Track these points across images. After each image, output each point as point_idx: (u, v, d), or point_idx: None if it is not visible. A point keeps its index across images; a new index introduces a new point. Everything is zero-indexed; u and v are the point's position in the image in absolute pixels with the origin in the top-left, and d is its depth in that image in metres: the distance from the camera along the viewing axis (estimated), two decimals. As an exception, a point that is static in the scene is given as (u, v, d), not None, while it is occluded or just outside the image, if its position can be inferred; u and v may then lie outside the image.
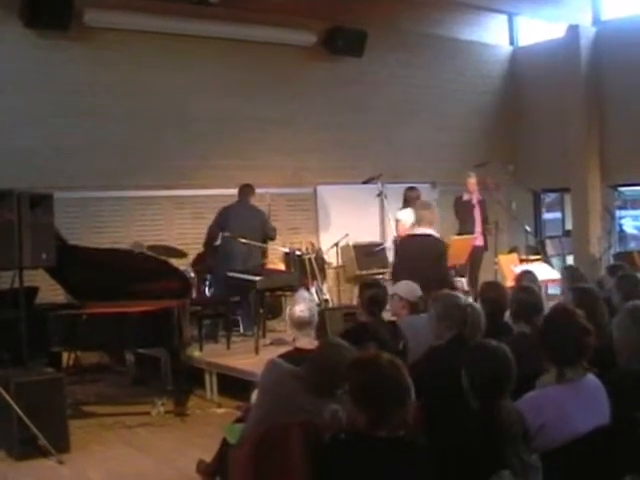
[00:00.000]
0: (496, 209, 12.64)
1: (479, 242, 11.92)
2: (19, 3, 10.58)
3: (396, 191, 12.18)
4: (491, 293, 6.11)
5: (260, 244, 10.35)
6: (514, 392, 3.84)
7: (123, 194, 11.33)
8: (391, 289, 6.87)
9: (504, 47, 15.94)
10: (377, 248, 12.62)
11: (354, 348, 4.39)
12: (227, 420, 6.09)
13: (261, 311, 9.73)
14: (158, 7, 11.45)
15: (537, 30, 15.43)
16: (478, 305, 5.59)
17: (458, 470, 3.49)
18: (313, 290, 11.40)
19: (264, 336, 9.69)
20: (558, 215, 16.20)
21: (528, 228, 13.63)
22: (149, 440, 7.35)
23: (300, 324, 5.69)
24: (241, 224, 10.27)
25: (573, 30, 14.03)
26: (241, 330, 10.31)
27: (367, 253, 12.66)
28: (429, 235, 8.40)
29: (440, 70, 14.66)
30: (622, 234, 14.51)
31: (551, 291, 11.12)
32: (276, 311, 11.02)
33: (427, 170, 13.94)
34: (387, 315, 6.73)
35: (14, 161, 10.39)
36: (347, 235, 12.38)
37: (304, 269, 11.40)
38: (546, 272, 10.51)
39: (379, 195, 12.14)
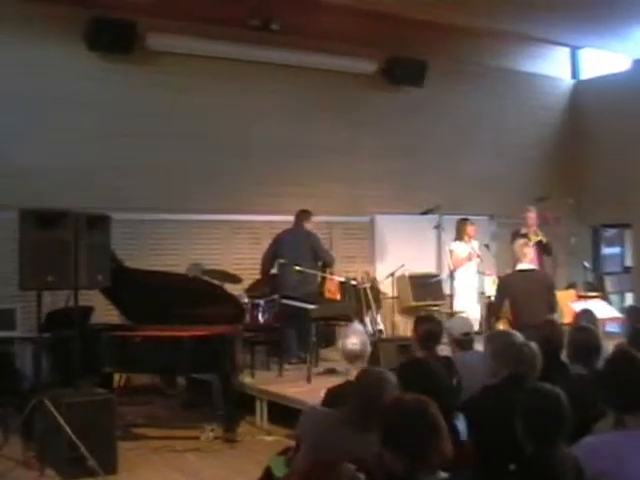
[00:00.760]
0: (555, 244, 12.45)
1: None
2: (84, 27, 10.74)
3: (453, 222, 12.10)
4: (547, 331, 6.01)
5: (314, 271, 10.31)
6: (570, 436, 3.72)
7: (181, 217, 11.40)
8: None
9: (566, 80, 15.78)
10: (433, 279, 12.53)
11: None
12: (276, 448, 6.03)
13: (314, 339, 9.68)
14: (219, 32, 11.55)
15: (600, 63, 15.25)
16: (534, 344, 5.47)
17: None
18: (367, 320, 11.34)
19: (317, 365, 9.65)
20: (617, 250, 15.95)
21: (587, 264, 13.41)
22: (197, 466, 7.33)
23: (352, 357, 5.67)
24: (293, 250, 10.27)
25: (638, 64, 13.85)
26: (293, 359, 10.24)
27: (423, 284, 12.57)
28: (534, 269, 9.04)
29: (501, 101, 14.57)
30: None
31: (609, 329, 10.88)
32: (329, 339, 10.94)
33: (485, 202, 13.81)
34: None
35: (74, 180, 10.57)
36: (403, 266, 12.27)
37: (359, 299, 11.34)
38: (605, 310, 10.30)
39: (437, 227, 12.05)
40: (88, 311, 8.98)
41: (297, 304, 9.62)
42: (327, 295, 11.07)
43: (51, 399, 6.85)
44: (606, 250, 16.04)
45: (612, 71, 14.94)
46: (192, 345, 7.95)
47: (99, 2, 10.71)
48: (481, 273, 11.99)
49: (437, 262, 13.40)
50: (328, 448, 4.09)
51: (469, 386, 5.47)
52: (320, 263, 10.63)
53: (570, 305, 10.63)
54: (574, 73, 15.93)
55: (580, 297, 11.58)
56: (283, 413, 8.29)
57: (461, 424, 4.35)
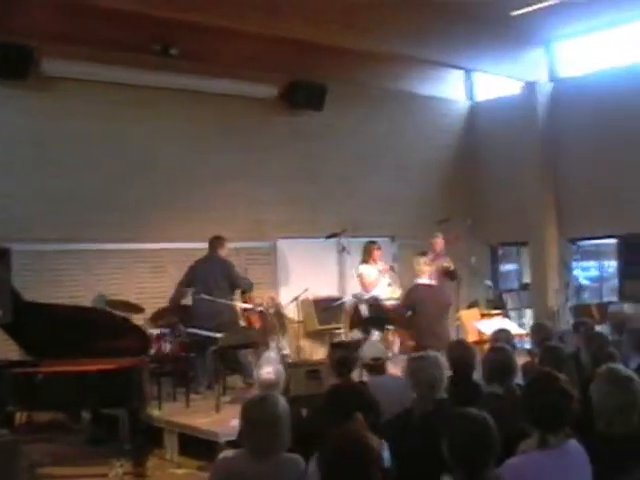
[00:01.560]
0: (457, 264, 12.62)
1: None
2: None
3: (356, 245, 12.16)
4: (459, 352, 6.06)
5: (225, 301, 10.17)
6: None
7: (81, 247, 11.13)
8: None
9: (462, 102, 16.09)
10: (336, 302, 12.52)
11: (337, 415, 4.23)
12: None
13: (221, 368, 9.57)
14: (118, 58, 11.33)
15: (495, 86, 15.60)
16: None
17: None
18: (274, 345, 11.27)
19: (224, 393, 9.52)
20: (514, 267, 16.31)
21: (489, 282, 13.66)
22: (108, 503, 7.13)
23: (267, 386, 5.61)
24: (206, 279, 10.16)
25: (530, 87, 14.24)
26: (200, 389, 10.09)
27: (326, 308, 12.55)
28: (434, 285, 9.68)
29: (399, 124, 14.73)
30: (577, 286, 14.61)
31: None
32: (236, 367, 10.81)
33: (387, 224, 13.93)
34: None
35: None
36: (307, 290, 12.25)
37: (266, 324, 11.27)
38: (509, 327, 10.46)
39: (342, 250, 12.10)
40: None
41: (204, 333, 9.52)
42: (247, 323, 11.02)
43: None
44: (504, 267, 16.39)
45: (505, 94, 15.28)
46: (98, 379, 7.72)
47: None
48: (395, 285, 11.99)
49: (340, 285, 13.45)
50: None
51: (384, 411, 5.46)
52: (239, 290, 10.53)
53: (475, 324, 10.78)
54: (470, 95, 16.26)
55: (483, 315, 11.75)
56: (193, 444, 8.15)
57: (385, 451, 4.31)
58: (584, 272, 15.29)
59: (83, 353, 8.11)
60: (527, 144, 14.37)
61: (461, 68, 15.09)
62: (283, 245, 13.20)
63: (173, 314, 10.47)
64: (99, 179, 11.40)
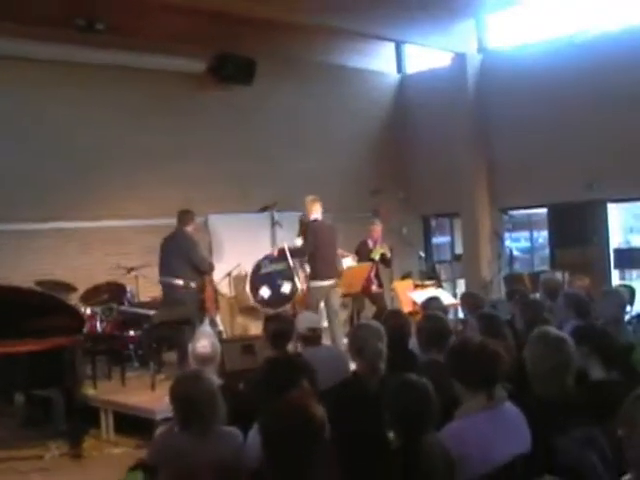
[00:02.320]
0: (389, 236, 12.66)
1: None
2: None
3: (289, 219, 12.12)
4: (393, 321, 6.08)
5: (175, 281, 9.89)
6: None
7: (6, 227, 10.86)
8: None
9: (392, 75, 16.12)
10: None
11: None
12: (126, 461, 5.79)
13: (155, 345, 9.47)
14: (42, 33, 11.03)
15: (425, 58, 15.65)
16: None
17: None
18: (207, 321, 11.16)
19: (160, 371, 9.42)
20: (447, 239, 16.45)
21: (422, 254, 13.75)
22: (44, 485, 7.01)
23: (202, 360, 5.56)
24: (168, 257, 9.92)
25: (459, 58, 14.32)
26: (135, 365, 9.99)
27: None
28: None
29: (330, 98, 14.69)
30: (509, 256, 14.79)
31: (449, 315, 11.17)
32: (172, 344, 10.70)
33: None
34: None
35: None
36: (239, 265, 12.17)
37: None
38: (443, 297, 10.55)
39: (274, 224, 12.03)
40: None
41: (137, 310, 9.40)
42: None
43: None
44: (437, 239, 16.53)
45: (435, 66, 15.33)
46: (30, 360, 7.58)
47: None
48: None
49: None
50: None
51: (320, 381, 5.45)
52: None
53: (409, 294, 10.84)
54: (400, 68, 16.29)
55: (417, 286, 11.82)
56: (129, 423, 8.07)
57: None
58: (515, 243, 15.50)
59: (12, 334, 7.93)
60: (458, 116, 14.47)
61: (391, 40, 15.11)
62: (215, 220, 13.05)
63: (103, 292, 10.35)
64: (25, 158, 11.12)
